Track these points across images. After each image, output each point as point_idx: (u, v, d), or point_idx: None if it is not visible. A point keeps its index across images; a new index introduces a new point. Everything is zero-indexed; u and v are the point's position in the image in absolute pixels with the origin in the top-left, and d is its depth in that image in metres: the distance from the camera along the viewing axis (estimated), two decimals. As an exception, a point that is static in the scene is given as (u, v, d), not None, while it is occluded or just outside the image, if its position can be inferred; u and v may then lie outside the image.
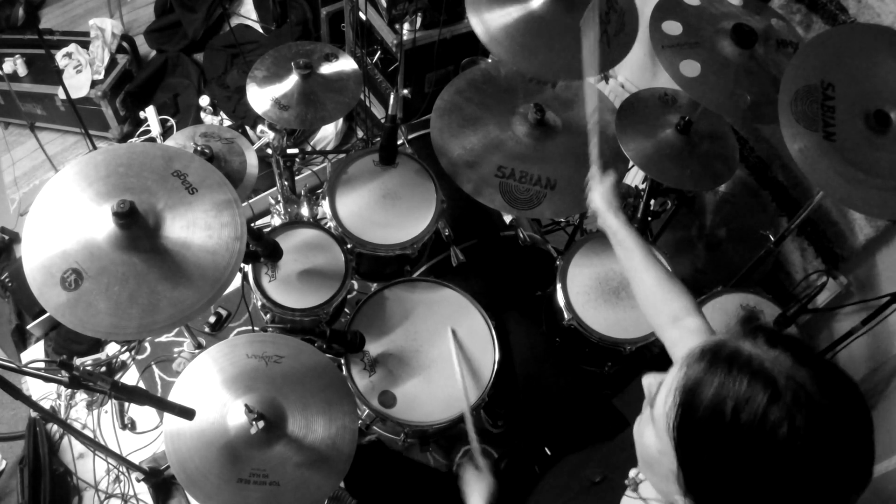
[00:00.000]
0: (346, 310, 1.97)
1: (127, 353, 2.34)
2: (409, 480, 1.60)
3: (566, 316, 1.75)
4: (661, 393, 0.76)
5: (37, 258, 1.21)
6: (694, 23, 1.62)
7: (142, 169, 1.33)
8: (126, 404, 2.22)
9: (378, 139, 2.29)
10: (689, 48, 1.58)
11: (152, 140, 3.01)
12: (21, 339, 2.43)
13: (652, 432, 0.78)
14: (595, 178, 1.37)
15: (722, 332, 0.79)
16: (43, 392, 2.22)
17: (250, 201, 2.67)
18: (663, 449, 0.74)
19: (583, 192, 1.39)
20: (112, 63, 3.13)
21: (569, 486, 1.18)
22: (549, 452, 1.52)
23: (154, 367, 2.32)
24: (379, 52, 2.82)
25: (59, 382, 1.19)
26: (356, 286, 2.28)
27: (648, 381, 0.81)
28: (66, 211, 1.26)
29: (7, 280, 2.49)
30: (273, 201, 2.36)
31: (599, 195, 1.33)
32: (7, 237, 2.73)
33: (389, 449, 1.82)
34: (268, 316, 1.79)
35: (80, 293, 1.19)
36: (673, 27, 1.61)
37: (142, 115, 3.09)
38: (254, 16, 3.53)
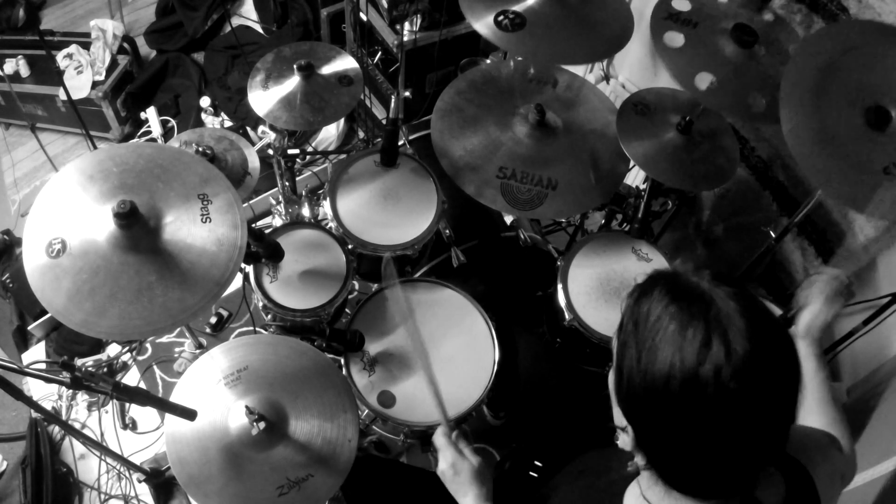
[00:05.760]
0: (347, 310, 1.97)
1: (128, 354, 2.34)
2: (409, 488, 1.59)
3: (567, 316, 1.75)
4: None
5: (38, 259, 1.21)
6: (695, 22, 1.63)
7: (142, 169, 1.33)
8: (127, 405, 2.23)
9: (379, 139, 2.29)
10: (692, 51, 1.58)
11: (153, 141, 3.01)
12: (22, 340, 2.44)
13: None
14: (820, 295, 1.18)
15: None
16: (44, 393, 2.23)
17: (251, 202, 2.67)
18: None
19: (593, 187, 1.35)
20: (113, 64, 3.13)
21: (590, 484, 1.18)
22: (539, 464, 1.50)
23: (155, 367, 2.32)
24: (380, 53, 2.83)
25: (61, 383, 1.19)
26: (357, 286, 2.28)
27: None
28: (66, 211, 1.26)
29: (8, 281, 2.50)
30: (274, 202, 2.36)
31: (814, 317, 1.16)
32: (7, 238, 2.73)
33: (386, 459, 1.80)
34: (268, 316, 1.79)
35: (81, 294, 1.19)
36: (679, 6, 1.65)
37: (143, 115, 3.09)
38: (254, 16, 3.52)
